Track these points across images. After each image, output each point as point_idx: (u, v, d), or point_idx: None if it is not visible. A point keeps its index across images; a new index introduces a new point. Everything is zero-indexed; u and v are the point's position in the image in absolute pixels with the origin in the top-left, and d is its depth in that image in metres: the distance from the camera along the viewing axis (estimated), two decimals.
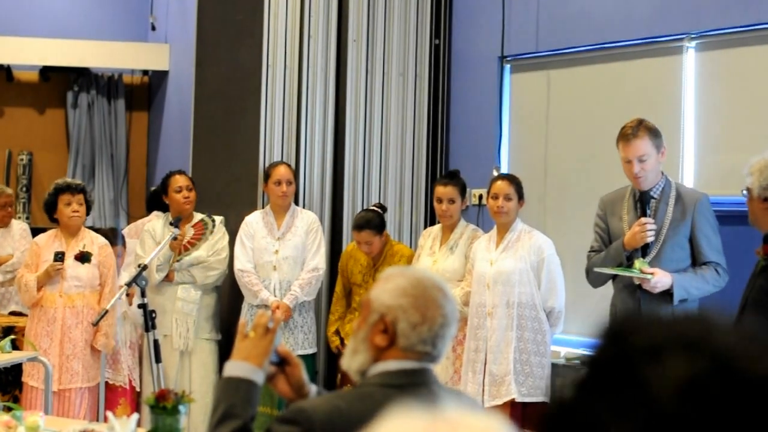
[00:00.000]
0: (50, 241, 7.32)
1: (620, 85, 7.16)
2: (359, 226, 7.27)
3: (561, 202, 7.47)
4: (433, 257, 7.11)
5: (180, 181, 7.74)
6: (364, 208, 7.75)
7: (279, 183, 7.43)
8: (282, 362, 3.06)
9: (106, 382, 7.53)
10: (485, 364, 6.63)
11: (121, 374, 7.66)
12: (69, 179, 7.49)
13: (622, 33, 7.11)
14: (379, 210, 7.42)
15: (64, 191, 7.28)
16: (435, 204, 7.16)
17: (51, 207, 7.32)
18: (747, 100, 6.50)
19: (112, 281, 7.44)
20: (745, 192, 4.91)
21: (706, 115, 6.69)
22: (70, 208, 7.27)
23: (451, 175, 7.27)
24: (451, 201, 7.06)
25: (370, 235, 7.24)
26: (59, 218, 7.32)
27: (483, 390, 6.59)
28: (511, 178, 6.77)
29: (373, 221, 7.25)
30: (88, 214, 7.50)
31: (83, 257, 7.23)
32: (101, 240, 7.49)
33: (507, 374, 6.56)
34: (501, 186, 6.70)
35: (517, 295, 6.59)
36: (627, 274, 5.73)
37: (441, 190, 7.09)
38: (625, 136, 5.79)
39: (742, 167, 6.24)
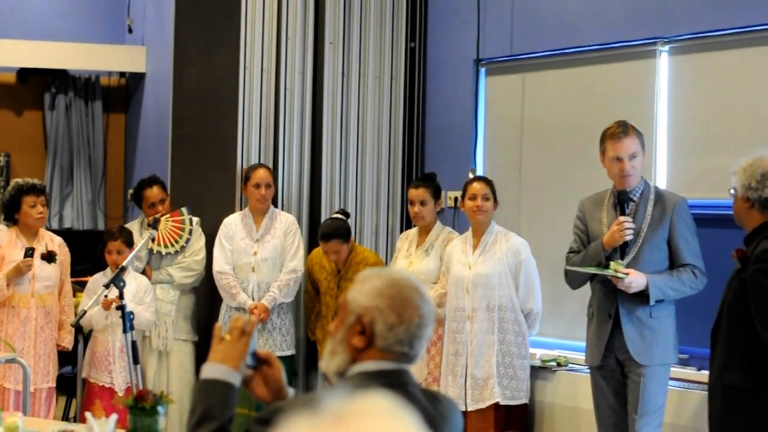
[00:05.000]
0: (13, 240, 7.26)
1: (594, 89, 7.21)
2: (326, 235, 7.23)
3: (536, 204, 7.51)
4: (409, 259, 7.14)
5: (152, 197, 7.75)
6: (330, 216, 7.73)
7: (258, 186, 7.45)
8: (258, 365, 3.09)
9: (90, 382, 7.46)
10: (466, 367, 6.67)
11: (111, 375, 7.49)
12: (30, 179, 7.39)
13: (596, 37, 7.16)
14: (343, 217, 7.43)
15: (28, 192, 7.22)
16: (408, 206, 7.21)
17: (13, 207, 7.27)
18: (720, 103, 6.55)
19: (68, 279, 7.49)
20: (732, 191, 4.97)
21: (679, 118, 6.74)
22: (35, 209, 7.22)
23: (424, 177, 7.33)
24: (423, 203, 7.10)
25: (338, 244, 7.23)
26: (22, 219, 7.25)
27: (465, 393, 6.63)
28: (486, 180, 6.86)
29: (340, 230, 7.23)
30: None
31: (50, 257, 7.19)
32: (58, 239, 7.48)
33: (490, 377, 6.60)
34: (478, 187, 6.77)
35: (497, 298, 6.64)
36: (601, 272, 5.77)
37: (413, 193, 7.15)
38: (615, 134, 5.83)
39: (715, 170, 6.33)
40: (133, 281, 7.22)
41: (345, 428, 1.51)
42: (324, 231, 7.26)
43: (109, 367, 7.31)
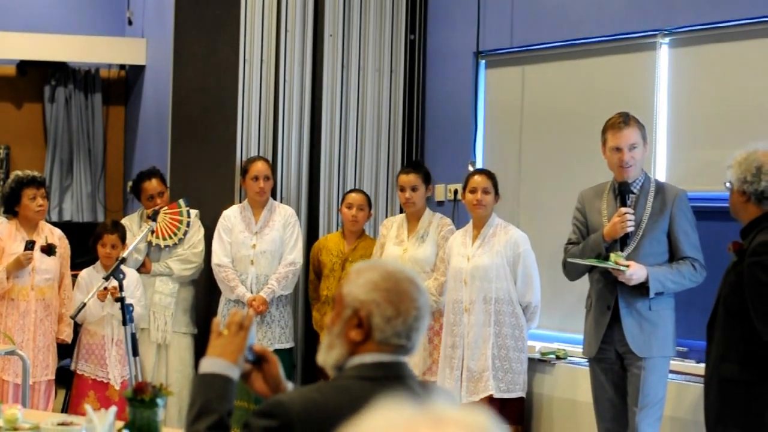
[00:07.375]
0: (13, 233, 7.25)
1: (594, 81, 7.20)
2: (354, 189, 7.59)
3: (535, 197, 7.51)
4: (403, 246, 7.15)
5: (150, 189, 7.76)
6: (340, 202, 7.80)
7: (256, 179, 7.45)
8: (258, 360, 3.10)
9: (81, 375, 7.44)
10: (463, 360, 6.67)
11: (105, 369, 7.40)
12: (30, 172, 7.38)
13: (596, 29, 7.15)
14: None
15: (28, 185, 7.22)
16: (399, 193, 7.26)
17: (13, 199, 7.26)
18: (719, 96, 6.54)
19: (67, 272, 7.48)
20: (727, 185, 4.97)
21: (679, 111, 6.74)
22: (36, 202, 7.22)
23: (414, 164, 7.42)
24: (414, 189, 7.14)
25: (363, 199, 7.42)
26: (22, 212, 7.25)
27: (461, 386, 6.63)
28: (488, 173, 6.85)
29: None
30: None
31: (50, 249, 7.19)
32: (58, 232, 7.48)
33: (485, 370, 6.59)
34: (479, 180, 6.77)
35: (495, 291, 6.63)
36: (602, 265, 5.76)
37: (403, 179, 7.20)
38: (616, 125, 5.83)
39: (715, 163, 6.32)
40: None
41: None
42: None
43: (104, 361, 7.31)
